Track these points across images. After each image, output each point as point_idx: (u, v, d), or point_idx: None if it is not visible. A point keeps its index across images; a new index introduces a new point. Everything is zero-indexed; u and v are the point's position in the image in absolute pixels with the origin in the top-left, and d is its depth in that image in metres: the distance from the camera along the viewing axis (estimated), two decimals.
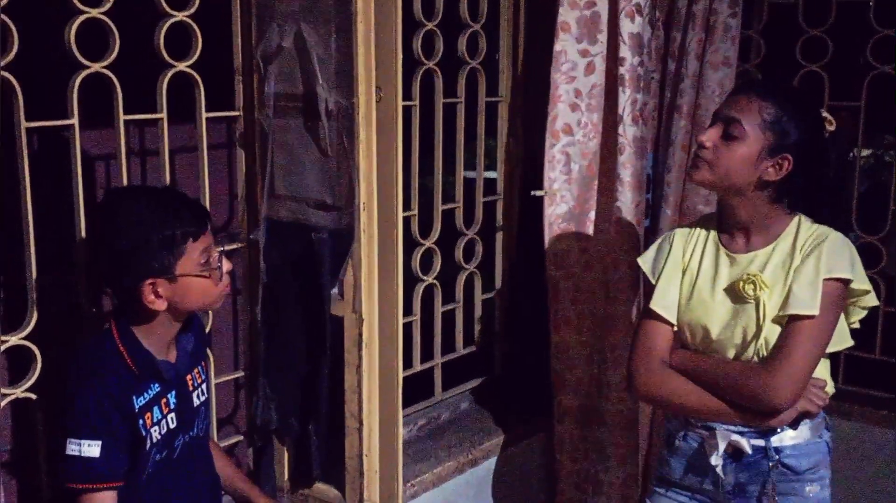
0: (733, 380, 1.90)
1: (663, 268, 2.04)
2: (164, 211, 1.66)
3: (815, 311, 1.84)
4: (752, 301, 1.90)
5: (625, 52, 2.60)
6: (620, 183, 2.68)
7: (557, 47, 2.64)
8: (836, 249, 1.88)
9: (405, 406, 2.46)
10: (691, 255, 2.03)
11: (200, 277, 1.68)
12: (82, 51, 1.80)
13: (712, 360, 1.95)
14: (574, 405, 2.89)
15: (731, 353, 1.94)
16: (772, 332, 1.89)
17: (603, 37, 2.66)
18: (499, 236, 3.10)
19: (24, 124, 1.76)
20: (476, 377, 3.14)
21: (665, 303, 2.01)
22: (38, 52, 1.77)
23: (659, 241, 2.14)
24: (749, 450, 1.93)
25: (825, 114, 1.93)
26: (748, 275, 1.91)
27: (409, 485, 2.51)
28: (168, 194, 1.75)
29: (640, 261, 2.12)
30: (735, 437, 1.94)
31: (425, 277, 2.76)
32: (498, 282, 3.13)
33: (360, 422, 2.18)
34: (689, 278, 2.01)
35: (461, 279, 2.94)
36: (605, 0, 2.63)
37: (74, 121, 1.83)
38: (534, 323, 3.01)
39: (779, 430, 1.93)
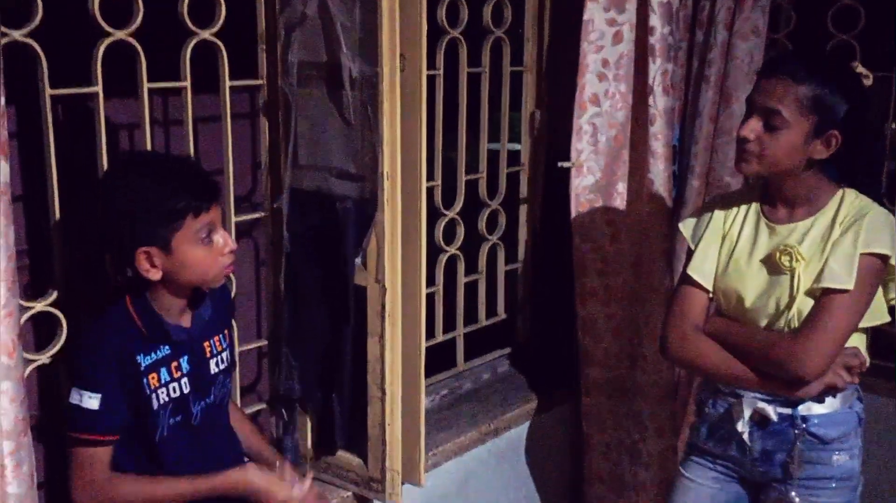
0: (762, 347, 1.90)
1: (703, 234, 2.05)
2: (167, 181, 1.64)
3: (850, 286, 1.82)
4: (788, 272, 1.89)
5: (655, 21, 2.56)
6: (652, 155, 2.65)
7: (586, 16, 2.60)
8: (877, 224, 1.85)
9: (428, 376, 2.47)
10: (732, 223, 2.03)
11: (199, 253, 1.67)
12: (106, 18, 1.79)
13: (743, 328, 1.96)
14: (602, 378, 2.89)
15: (763, 323, 1.94)
16: (804, 304, 1.88)
17: (631, 5, 2.62)
18: (522, 207, 3.08)
19: (48, 92, 1.76)
20: (498, 348, 3.14)
21: (702, 269, 2.02)
22: (62, 20, 1.76)
23: (701, 207, 2.13)
24: (774, 418, 1.94)
25: (860, 69, 1.88)
26: (785, 246, 1.90)
27: (430, 454, 2.52)
28: (178, 164, 1.72)
29: (681, 226, 2.14)
30: (761, 405, 1.95)
31: (448, 248, 2.75)
32: (521, 254, 3.12)
33: (383, 392, 2.18)
34: (727, 246, 2.02)
35: (484, 250, 2.94)
36: None
37: (98, 88, 1.83)
38: (557, 294, 3.00)
39: (806, 400, 1.92)
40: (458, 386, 2.92)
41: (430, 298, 2.62)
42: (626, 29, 2.64)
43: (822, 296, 1.86)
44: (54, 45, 1.74)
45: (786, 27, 3.02)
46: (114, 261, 1.79)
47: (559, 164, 2.76)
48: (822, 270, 1.86)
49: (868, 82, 1.88)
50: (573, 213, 2.75)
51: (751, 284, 1.95)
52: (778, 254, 1.90)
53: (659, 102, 2.62)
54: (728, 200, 2.08)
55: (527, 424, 2.91)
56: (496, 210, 2.93)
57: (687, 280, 2.04)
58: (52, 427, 2.02)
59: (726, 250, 2.01)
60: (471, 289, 2.92)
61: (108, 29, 1.80)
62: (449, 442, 2.63)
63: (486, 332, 3.06)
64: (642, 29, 2.61)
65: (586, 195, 2.75)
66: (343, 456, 2.36)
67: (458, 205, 2.75)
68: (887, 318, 1.98)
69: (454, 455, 2.64)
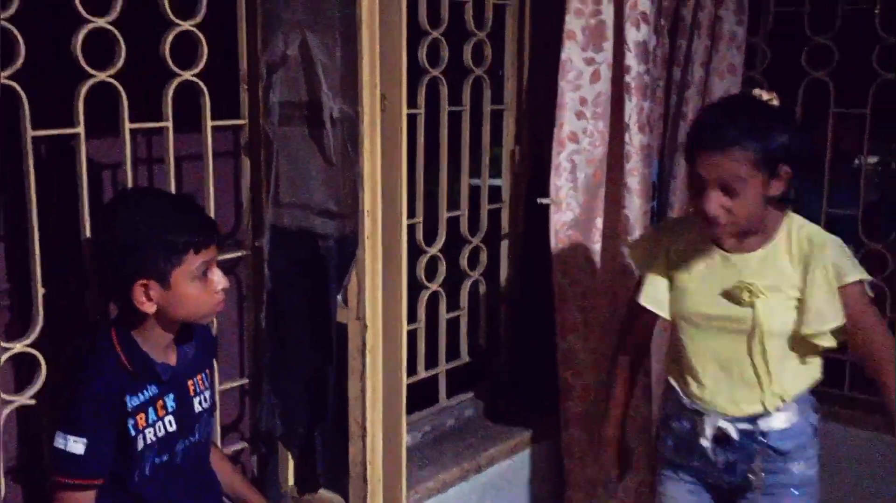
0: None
1: (651, 261, 2.10)
2: (171, 216, 1.67)
3: (841, 321, 1.91)
4: (748, 306, 1.95)
5: (630, 60, 2.60)
6: (628, 191, 2.68)
7: (563, 55, 2.64)
8: (837, 255, 1.93)
9: (409, 413, 2.46)
10: (682, 249, 2.06)
11: (194, 289, 1.69)
12: (88, 60, 1.81)
13: None
14: (581, 411, 2.89)
15: (728, 333, 2.01)
16: (769, 341, 1.95)
17: (608, 45, 2.66)
18: (504, 244, 3.10)
19: (30, 133, 1.77)
20: (481, 384, 3.14)
21: (655, 297, 2.08)
22: (45, 62, 1.78)
23: (647, 233, 2.18)
24: (736, 437, 2.01)
25: (764, 96, 1.90)
26: (745, 282, 1.95)
27: (413, 492, 2.51)
28: (181, 201, 1.76)
29: (628, 252, 2.17)
30: (723, 424, 2.02)
31: (430, 285, 2.76)
32: (503, 289, 3.13)
33: (364, 429, 2.18)
34: (678, 272, 2.06)
35: (466, 286, 2.95)
36: (611, 8, 2.63)
37: (80, 129, 1.84)
38: (539, 330, 3.00)
39: (772, 412, 1.99)
40: (440, 422, 2.91)
41: (412, 335, 2.62)
42: (604, 68, 2.68)
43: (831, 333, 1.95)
44: (37, 86, 1.75)
45: (761, 65, 3.07)
46: (105, 294, 1.79)
47: (538, 200, 2.78)
48: (808, 315, 1.93)
49: (776, 103, 1.89)
50: (553, 249, 2.77)
51: (710, 308, 2.01)
52: (739, 290, 1.95)
53: (634, 139, 2.65)
54: (676, 225, 2.12)
55: (510, 460, 2.90)
56: (478, 247, 2.95)
57: (641, 310, 2.11)
58: (32, 469, 2.01)
59: (677, 277, 2.06)
60: (453, 324, 2.92)
61: (90, 70, 1.82)
62: (432, 479, 2.61)
63: (469, 368, 3.06)
64: (618, 68, 2.65)
65: (565, 231, 2.77)
66: (324, 494, 2.34)
67: (440, 242, 2.77)
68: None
69: (437, 492, 2.63)
